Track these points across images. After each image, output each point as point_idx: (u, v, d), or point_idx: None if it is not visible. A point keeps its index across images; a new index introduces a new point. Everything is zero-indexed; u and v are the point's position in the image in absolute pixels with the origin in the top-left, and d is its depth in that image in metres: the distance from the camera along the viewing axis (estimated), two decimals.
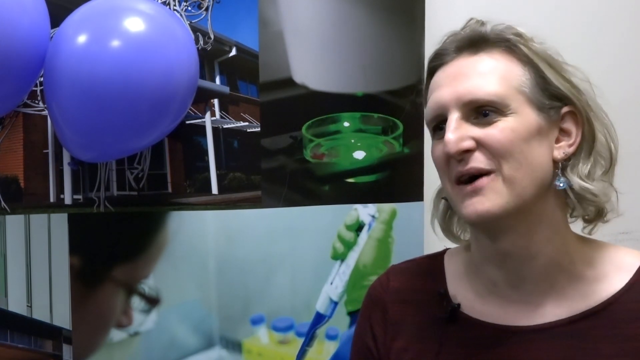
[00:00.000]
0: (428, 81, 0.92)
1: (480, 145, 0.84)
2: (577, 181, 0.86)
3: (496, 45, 0.87)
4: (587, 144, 0.88)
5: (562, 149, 0.87)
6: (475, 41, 0.88)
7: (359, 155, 1.49)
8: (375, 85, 1.48)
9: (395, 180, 1.49)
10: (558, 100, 0.87)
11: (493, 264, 0.91)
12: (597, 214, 0.90)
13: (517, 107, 0.84)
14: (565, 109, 0.87)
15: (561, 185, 0.86)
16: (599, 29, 1.50)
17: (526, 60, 0.87)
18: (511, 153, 0.83)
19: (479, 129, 0.84)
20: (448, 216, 0.98)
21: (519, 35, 0.88)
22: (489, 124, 0.84)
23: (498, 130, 0.83)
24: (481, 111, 0.84)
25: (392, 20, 1.48)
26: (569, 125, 0.88)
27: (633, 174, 1.47)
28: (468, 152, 0.84)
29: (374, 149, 1.49)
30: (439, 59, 0.90)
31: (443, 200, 0.96)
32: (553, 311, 0.88)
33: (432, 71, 0.91)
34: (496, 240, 0.88)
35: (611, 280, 0.88)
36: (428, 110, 0.89)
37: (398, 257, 1.46)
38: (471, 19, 0.92)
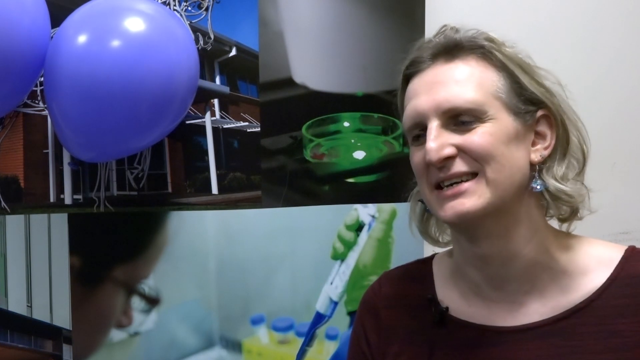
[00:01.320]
0: (403, 88, 0.93)
1: (461, 151, 0.85)
2: (552, 183, 0.88)
3: (471, 51, 0.89)
4: (562, 146, 0.90)
5: (538, 152, 0.89)
6: (450, 48, 0.89)
7: (359, 155, 1.49)
8: (375, 85, 1.48)
9: (395, 180, 1.49)
10: (533, 104, 0.88)
11: (474, 266, 0.92)
12: (571, 213, 0.92)
13: (494, 113, 0.86)
14: (539, 113, 0.89)
15: (538, 187, 0.88)
16: (598, 29, 1.50)
17: (501, 66, 0.88)
18: (493, 156, 0.85)
19: (459, 135, 0.86)
20: (425, 218, 0.99)
21: (491, 40, 0.90)
22: (468, 130, 0.85)
23: (477, 136, 0.85)
24: (460, 118, 0.86)
25: (392, 20, 1.48)
26: (543, 128, 0.90)
27: (632, 175, 1.47)
28: (449, 159, 0.85)
29: (374, 149, 1.49)
30: (415, 67, 0.91)
31: (420, 203, 0.97)
32: (537, 310, 0.89)
33: (408, 78, 0.93)
34: (475, 243, 0.89)
35: (592, 275, 0.89)
36: (407, 118, 0.90)
37: (398, 257, 1.46)
38: (444, 25, 0.94)
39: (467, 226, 0.88)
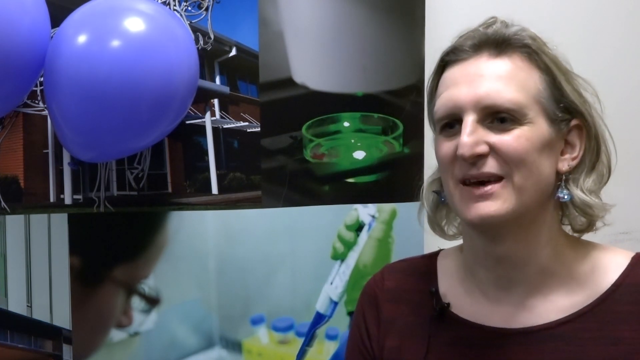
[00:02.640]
0: (438, 73, 0.91)
1: (493, 151, 0.83)
2: (578, 194, 0.87)
3: (517, 49, 0.87)
4: (591, 158, 0.89)
5: (566, 162, 0.88)
6: (498, 43, 0.87)
7: (359, 155, 1.49)
8: (375, 85, 1.48)
9: (395, 180, 1.49)
10: (569, 113, 0.87)
11: (485, 266, 0.91)
12: (588, 226, 0.91)
13: (533, 117, 0.84)
14: (573, 122, 0.88)
15: (565, 197, 0.87)
16: (599, 29, 1.51)
17: (545, 69, 0.86)
18: (524, 162, 0.83)
19: (494, 134, 0.84)
20: (437, 209, 0.98)
21: (535, 39, 0.88)
22: (505, 130, 0.84)
23: (513, 138, 0.83)
24: (498, 117, 0.84)
25: (392, 20, 1.48)
26: (574, 138, 0.88)
27: (633, 175, 1.47)
28: (481, 156, 0.83)
29: (374, 149, 1.49)
30: (456, 55, 0.88)
31: (434, 193, 0.96)
32: (540, 313, 0.89)
33: (445, 65, 0.90)
34: (494, 245, 0.88)
35: (598, 280, 0.89)
36: (440, 107, 0.88)
37: (398, 257, 1.45)
38: (493, 17, 0.91)
39: (488, 228, 0.87)
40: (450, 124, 0.87)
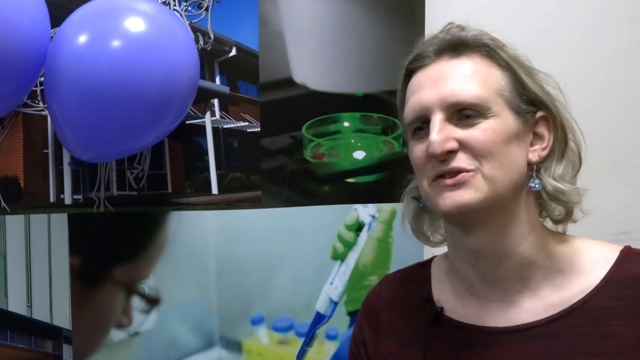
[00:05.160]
0: (405, 83, 0.94)
1: (462, 146, 0.86)
2: (551, 182, 0.89)
3: (476, 49, 0.90)
4: (560, 147, 0.91)
5: (536, 152, 0.90)
6: (456, 45, 0.90)
7: (359, 155, 1.49)
8: (375, 85, 1.48)
9: (395, 180, 1.49)
10: (533, 105, 0.90)
11: (468, 262, 0.92)
12: (566, 215, 0.93)
13: (497, 110, 0.87)
14: (539, 114, 0.90)
15: (536, 186, 0.89)
16: (600, 29, 1.50)
17: (505, 66, 0.89)
18: (492, 153, 0.86)
19: (462, 130, 0.87)
20: (418, 216, 1.00)
21: (494, 40, 0.91)
22: (471, 125, 0.87)
23: (480, 132, 0.86)
24: (464, 113, 0.87)
25: (392, 20, 1.48)
26: (542, 129, 0.91)
27: (632, 175, 1.47)
28: (451, 152, 0.86)
29: (374, 149, 1.49)
30: (419, 61, 0.92)
31: (414, 200, 0.99)
32: (531, 310, 0.89)
33: (410, 73, 0.93)
34: (470, 235, 0.89)
35: (587, 275, 0.89)
36: (409, 112, 0.91)
37: (398, 257, 1.46)
38: (450, 23, 0.95)
39: (463, 219, 0.88)
40: (420, 126, 0.90)
